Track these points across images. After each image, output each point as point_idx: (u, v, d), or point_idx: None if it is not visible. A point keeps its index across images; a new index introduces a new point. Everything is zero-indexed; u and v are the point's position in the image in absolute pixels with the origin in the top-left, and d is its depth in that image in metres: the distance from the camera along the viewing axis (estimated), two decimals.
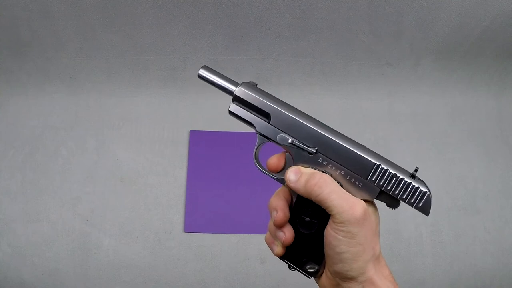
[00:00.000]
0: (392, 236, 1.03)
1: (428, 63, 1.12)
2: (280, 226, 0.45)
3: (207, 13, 0.98)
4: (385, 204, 0.44)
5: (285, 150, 0.46)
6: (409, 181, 0.42)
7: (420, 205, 0.42)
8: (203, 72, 0.47)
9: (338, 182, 0.43)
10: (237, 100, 0.46)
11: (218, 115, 1.06)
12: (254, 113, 0.46)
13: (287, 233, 0.44)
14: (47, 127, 1.09)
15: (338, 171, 0.43)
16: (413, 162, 1.09)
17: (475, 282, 1.01)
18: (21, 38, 1.01)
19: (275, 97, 0.46)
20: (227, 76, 0.47)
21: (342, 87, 1.15)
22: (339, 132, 0.45)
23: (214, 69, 0.48)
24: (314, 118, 0.45)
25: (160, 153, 1.07)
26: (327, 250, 0.42)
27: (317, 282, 0.46)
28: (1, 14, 0.96)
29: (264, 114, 0.45)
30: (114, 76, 1.10)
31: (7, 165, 1.04)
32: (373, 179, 0.42)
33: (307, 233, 0.44)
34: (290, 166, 0.45)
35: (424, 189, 0.42)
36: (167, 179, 1.05)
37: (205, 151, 1.07)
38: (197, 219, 1.02)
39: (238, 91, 0.46)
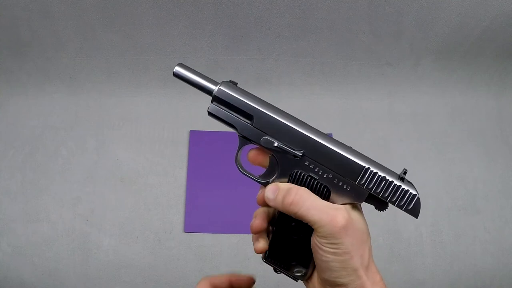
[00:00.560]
0: (392, 236, 1.03)
1: (428, 63, 1.12)
2: (255, 233, 0.45)
3: (207, 13, 0.98)
4: (373, 206, 0.43)
5: (269, 153, 0.44)
6: (398, 184, 0.41)
7: (410, 207, 0.41)
8: (178, 70, 0.44)
9: (324, 188, 0.42)
10: (217, 100, 0.43)
11: None
12: (235, 114, 0.43)
13: (260, 244, 0.44)
14: (47, 127, 1.09)
15: (325, 174, 0.42)
16: (413, 162, 1.09)
17: (475, 282, 1.01)
18: (21, 38, 1.01)
19: (258, 98, 0.44)
20: (206, 75, 0.44)
21: (342, 87, 1.15)
22: (326, 135, 0.43)
23: (191, 67, 0.45)
24: (300, 120, 0.43)
25: (160, 153, 1.07)
26: (315, 258, 0.41)
27: (306, 286, 0.46)
28: (1, 14, 0.96)
29: (246, 115, 0.43)
30: (114, 76, 1.10)
31: (7, 165, 1.04)
32: (362, 182, 0.41)
33: (295, 238, 0.44)
34: (275, 170, 0.44)
35: (414, 192, 0.41)
36: (167, 179, 1.05)
37: (205, 151, 1.07)
38: (197, 219, 1.02)
39: (218, 91, 0.43)
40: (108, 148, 1.07)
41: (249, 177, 0.45)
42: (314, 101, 1.14)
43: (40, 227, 0.99)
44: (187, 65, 0.45)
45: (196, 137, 1.09)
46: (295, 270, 0.45)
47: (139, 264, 0.98)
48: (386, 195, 0.41)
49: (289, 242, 0.44)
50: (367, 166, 0.41)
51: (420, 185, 0.50)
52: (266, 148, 0.43)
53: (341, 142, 0.43)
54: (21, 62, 1.07)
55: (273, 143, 0.42)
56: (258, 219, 0.44)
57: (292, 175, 0.43)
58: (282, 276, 0.47)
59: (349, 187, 0.42)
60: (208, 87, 0.44)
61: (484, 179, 1.10)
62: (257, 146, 0.44)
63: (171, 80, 1.12)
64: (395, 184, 0.41)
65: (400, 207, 0.42)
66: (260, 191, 0.45)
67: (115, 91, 1.12)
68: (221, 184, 1.05)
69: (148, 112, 1.11)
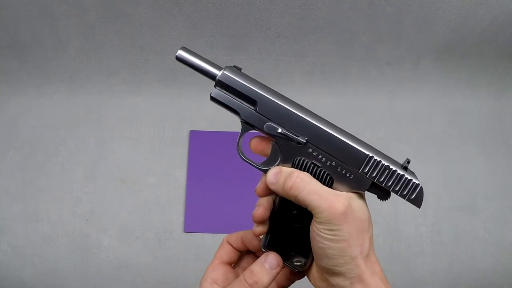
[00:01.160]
0: (392, 236, 1.03)
1: (428, 63, 1.12)
2: (257, 222, 0.44)
3: (207, 13, 0.98)
4: (376, 195, 0.43)
5: (272, 139, 0.43)
6: (401, 173, 0.41)
7: (413, 197, 0.41)
8: (182, 54, 0.43)
9: (327, 176, 0.42)
10: (220, 85, 0.42)
11: (218, 115, 1.06)
12: (238, 99, 0.43)
13: (260, 227, 0.44)
14: (47, 127, 1.09)
15: (329, 162, 0.42)
16: (413, 162, 1.08)
17: (475, 282, 1.01)
18: (21, 38, 1.01)
19: (262, 83, 0.43)
20: (210, 60, 0.44)
21: (342, 87, 1.15)
22: (330, 122, 0.43)
23: (195, 52, 0.44)
24: (304, 107, 0.43)
25: (160, 153, 1.07)
26: (312, 245, 0.41)
27: (307, 276, 0.45)
28: (1, 14, 0.96)
29: (250, 101, 0.42)
30: (114, 76, 1.10)
31: (7, 165, 1.04)
32: (366, 170, 0.41)
33: (296, 226, 0.43)
34: (277, 157, 0.43)
35: (417, 181, 0.41)
36: (167, 179, 1.05)
37: (205, 151, 1.07)
38: (197, 219, 1.02)
39: (222, 75, 0.42)
40: (108, 148, 1.07)
41: (250, 163, 0.45)
42: (314, 101, 1.13)
43: (40, 227, 0.99)
44: (191, 49, 0.44)
45: (196, 137, 1.09)
46: (295, 260, 0.44)
47: (139, 264, 0.98)
48: (389, 184, 0.41)
49: (289, 231, 0.44)
50: (371, 155, 0.41)
51: None
52: (269, 135, 0.43)
53: (345, 130, 0.43)
54: (21, 62, 1.07)
55: (277, 129, 0.42)
56: (261, 208, 0.44)
57: (295, 162, 0.43)
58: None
59: (352, 175, 0.42)
60: (211, 71, 0.43)
61: (484, 179, 1.10)
62: (259, 133, 0.44)
63: (171, 80, 1.12)
64: (399, 173, 0.41)
65: (403, 197, 0.41)
66: (260, 181, 0.45)
67: (115, 91, 1.12)
68: (221, 184, 1.05)
69: (148, 112, 1.11)
